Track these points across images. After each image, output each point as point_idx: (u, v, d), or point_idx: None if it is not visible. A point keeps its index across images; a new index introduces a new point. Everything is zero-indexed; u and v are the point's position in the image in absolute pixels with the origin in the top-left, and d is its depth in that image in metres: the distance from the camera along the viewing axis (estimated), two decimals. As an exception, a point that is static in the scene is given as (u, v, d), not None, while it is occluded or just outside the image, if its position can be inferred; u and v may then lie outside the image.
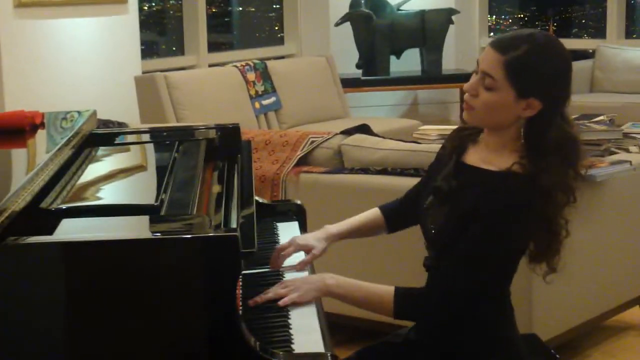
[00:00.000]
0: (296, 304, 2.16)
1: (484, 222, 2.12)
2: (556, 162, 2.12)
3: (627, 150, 4.60)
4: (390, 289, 2.19)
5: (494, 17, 9.35)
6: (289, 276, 2.34)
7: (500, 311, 2.27)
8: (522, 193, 2.12)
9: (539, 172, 2.11)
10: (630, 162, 3.99)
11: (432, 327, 2.25)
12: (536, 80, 2.13)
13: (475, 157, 2.24)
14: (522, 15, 9.72)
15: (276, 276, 2.36)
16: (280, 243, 2.58)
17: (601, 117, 4.63)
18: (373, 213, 2.49)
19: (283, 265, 2.41)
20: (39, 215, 1.98)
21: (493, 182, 2.14)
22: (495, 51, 2.14)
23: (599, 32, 8.77)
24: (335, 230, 2.46)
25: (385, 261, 3.72)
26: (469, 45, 8.68)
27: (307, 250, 2.42)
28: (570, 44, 8.97)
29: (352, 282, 2.22)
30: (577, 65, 8.34)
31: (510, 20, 9.62)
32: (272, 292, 2.17)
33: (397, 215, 2.48)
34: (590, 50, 8.52)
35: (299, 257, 2.43)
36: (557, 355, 2.57)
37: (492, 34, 9.09)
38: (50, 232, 1.89)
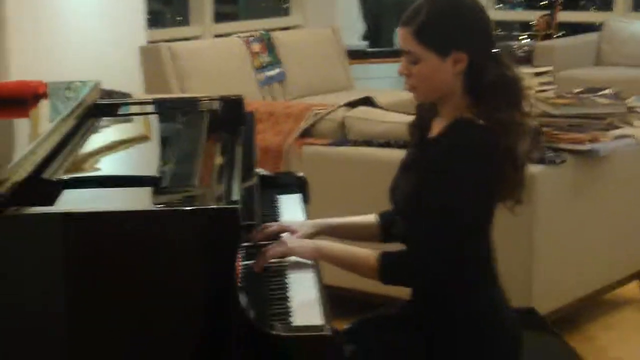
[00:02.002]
0: (292, 267, 2.21)
1: (442, 169, 2.14)
2: (502, 105, 2.16)
3: (632, 125, 4.57)
4: (376, 253, 2.21)
5: (501, -13, 9.29)
6: (286, 235, 2.35)
7: (487, 281, 2.27)
8: (473, 134, 2.16)
9: (486, 114, 2.16)
10: (634, 136, 3.98)
11: (420, 288, 2.25)
12: (446, 34, 2.18)
13: (436, 130, 2.28)
14: (528, -13, 9.65)
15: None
16: (282, 216, 2.59)
17: (606, 91, 4.60)
18: (369, 217, 2.48)
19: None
20: (40, 186, 1.98)
21: (445, 133, 2.20)
22: (402, 27, 2.22)
23: (606, 4, 8.71)
24: (323, 221, 2.45)
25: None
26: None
27: (291, 231, 2.40)
28: (577, 16, 8.93)
29: (342, 245, 2.27)
30: (583, 38, 8.29)
31: (517, -8, 9.56)
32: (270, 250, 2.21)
33: (392, 221, 2.43)
34: (598, 24, 8.47)
35: None
36: (555, 330, 2.59)
37: (500, 4, 9.03)
38: (51, 202, 1.90)
